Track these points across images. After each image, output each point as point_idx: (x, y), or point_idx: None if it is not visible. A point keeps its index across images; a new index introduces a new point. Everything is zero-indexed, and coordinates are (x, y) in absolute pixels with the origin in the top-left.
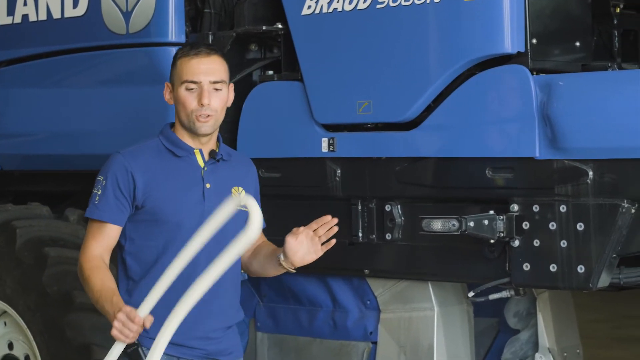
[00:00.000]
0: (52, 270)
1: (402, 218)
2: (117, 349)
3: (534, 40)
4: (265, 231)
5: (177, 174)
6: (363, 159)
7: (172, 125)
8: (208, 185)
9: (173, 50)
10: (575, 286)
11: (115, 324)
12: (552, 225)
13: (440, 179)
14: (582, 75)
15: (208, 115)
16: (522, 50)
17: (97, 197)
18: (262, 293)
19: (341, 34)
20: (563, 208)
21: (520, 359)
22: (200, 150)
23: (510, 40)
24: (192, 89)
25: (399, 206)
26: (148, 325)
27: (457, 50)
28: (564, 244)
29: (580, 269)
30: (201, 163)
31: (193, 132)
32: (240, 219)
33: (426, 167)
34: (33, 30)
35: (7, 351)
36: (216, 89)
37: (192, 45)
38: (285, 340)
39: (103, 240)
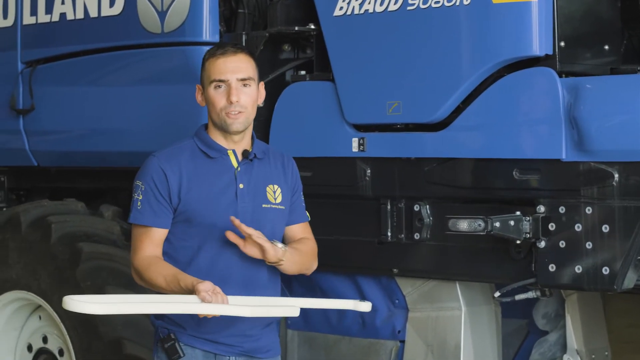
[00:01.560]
0: (86, 265)
1: (431, 218)
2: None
3: (562, 43)
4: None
5: (210, 176)
6: (392, 159)
7: (207, 126)
8: (241, 186)
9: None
10: (600, 287)
11: (203, 295)
12: (578, 227)
13: (468, 180)
14: (609, 78)
15: (239, 112)
16: (550, 52)
17: (139, 202)
18: (292, 290)
19: (372, 35)
20: (589, 210)
21: None
22: (234, 151)
23: (539, 42)
24: (220, 88)
25: (427, 206)
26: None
27: (485, 52)
28: (589, 245)
29: (605, 270)
30: (234, 163)
31: (225, 131)
32: (276, 216)
33: (455, 168)
34: (70, 28)
35: (41, 345)
36: (244, 86)
37: (219, 45)
38: (314, 338)
39: (152, 244)
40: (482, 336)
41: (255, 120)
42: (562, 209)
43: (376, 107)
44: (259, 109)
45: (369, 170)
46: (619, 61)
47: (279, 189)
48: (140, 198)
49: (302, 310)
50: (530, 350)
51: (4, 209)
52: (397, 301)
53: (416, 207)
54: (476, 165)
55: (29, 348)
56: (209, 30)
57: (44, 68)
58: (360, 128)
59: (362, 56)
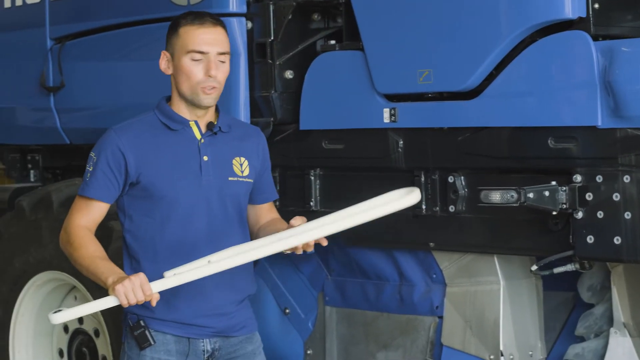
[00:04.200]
0: (117, 244)
1: (466, 190)
2: (105, 304)
3: (596, 5)
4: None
5: (172, 148)
6: (425, 130)
7: (168, 98)
8: (205, 158)
9: (235, 20)
10: None
11: (127, 283)
12: (616, 197)
13: (503, 149)
14: None
15: (213, 87)
16: (584, 15)
17: (89, 174)
18: (330, 267)
19: (401, 1)
20: (627, 178)
21: (595, 334)
22: (197, 122)
23: (571, 5)
24: (198, 60)
25: (462, 177)
26: (154, 303)
27: (517, 17)
28: (628, 215)
29: None
30: (198, 135)
31: (195, 104)
32: (243, 189)
33: (488, 137)
34: (98, 3)
35: (77, 326)
36: (221, 61)
37: (195, 14)
38: (353, 315)
39: (89, 215)
40: (522, 310)
41: (285, 92)
42: (599, 178)
43: (407, 76)
44: (288, 80)
45: (401, 142)
46: None
47: (246, 161)
48: (90, 170)
49: (340, 286)
50: (577, 323)
51: (40, 188)
52: (434, 276)
53: (450, 179)
54: (510, 134)
55: (66, 329)
56: (235, 0)
57: (72, 44)
58: (392, 98)
59: (391, 24)
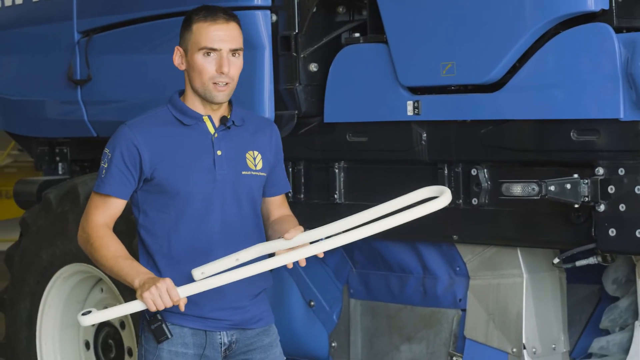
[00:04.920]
0: None
1: (489, 182)
2: (132, 308)
3: None
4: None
5: (185, 143)
6: (448, 122)
7: (181, 92)
8: (219, 152)
9: (259, 13)
10: None
11: (153, 290)
12: (638, 189)
13: (525, 142)
14: None
15: (226, 84)
16: (606, 7)
17: (104, 171)
18: (354, 260)
19: None
20: None
21: (620, 327)
22: (210, 117)
23: None
24: (210, 56)
25: (485, 170)
26: (182, 308)
27: (540, 9)
28: None
29: None
30: (211, 130)
31: (208, 100)
32: (257, 183)
33: (511, 130)
34: None
35: None
36: (233, 56)
37: (208, 9)
38: (377, 307)
39: (106, 212)
40: (545, 303)
41: (309, 84)
42: (621, 171)
43: (430, 68)
44: (312, 73)
45: (425, 134)
46: None
47: (259, 155)
48: (105, 166)
49: (364, 279)
50: (602, 316)
51: (66, 180)
52: (458, 269)
53: (473, 172)
54: (533, 127)
55: None
56: None
57: (99, 37)
58: (415, 91)
59: (415, 17)
